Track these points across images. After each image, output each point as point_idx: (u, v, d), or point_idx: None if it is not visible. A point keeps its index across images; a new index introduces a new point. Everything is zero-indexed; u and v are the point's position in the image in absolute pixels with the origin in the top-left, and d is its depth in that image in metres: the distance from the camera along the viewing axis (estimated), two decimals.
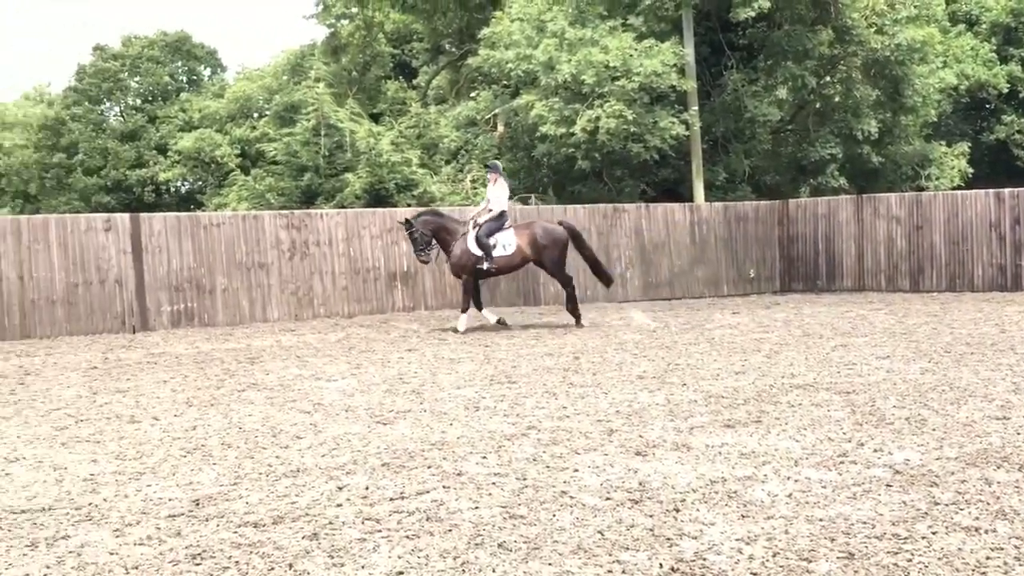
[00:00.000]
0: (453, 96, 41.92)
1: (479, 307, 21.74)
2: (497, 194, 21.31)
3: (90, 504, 8.13)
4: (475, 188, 34.14)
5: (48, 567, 6.64)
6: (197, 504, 8.02)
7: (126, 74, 56.29)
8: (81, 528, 7.47)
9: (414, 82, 47.25)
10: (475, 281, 21.57)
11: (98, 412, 12.62)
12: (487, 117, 35.87)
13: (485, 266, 20.87)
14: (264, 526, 7.39)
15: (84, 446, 10.54)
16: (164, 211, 36.94)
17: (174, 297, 24.32)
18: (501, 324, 21.45)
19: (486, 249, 20.74)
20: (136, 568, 6.56)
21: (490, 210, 21.21)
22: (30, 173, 55.12)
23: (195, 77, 58.53)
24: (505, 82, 34.37)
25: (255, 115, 50.65)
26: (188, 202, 52.66)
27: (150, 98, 56.33)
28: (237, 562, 6.61)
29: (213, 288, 24.78)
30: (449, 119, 38.49)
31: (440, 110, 40.46)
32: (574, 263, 22.72)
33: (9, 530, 7.50)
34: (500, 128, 35.28)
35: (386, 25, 45.40)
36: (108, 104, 57.64)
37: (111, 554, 6.85)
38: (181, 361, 17.73)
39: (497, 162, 24.23)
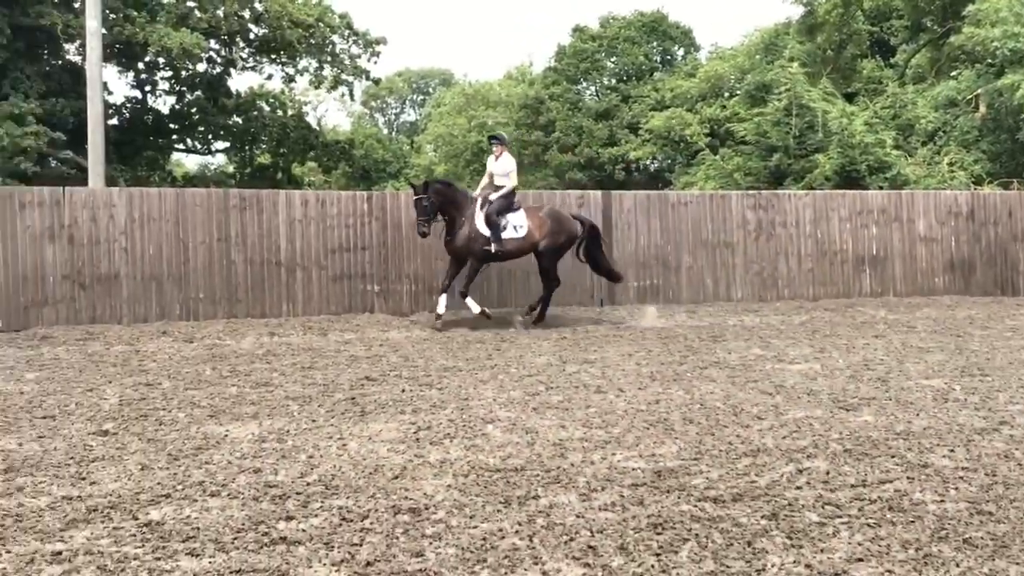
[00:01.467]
0: (932, 75, 40.49)
1: (443, 291, 19.79)
2: (505, 168, 19.75)
3: (559, 468, 8.45)
4: (951, 172, 32.99)
5: (520, 524, 6.96)
6: (659, 475, 8.19)
7: (603, 54, 57.62)
8: (550, 490, 7.78)
9: (891, 60, 46.08)
10: (478, 265, 19.80)
11: (567, 380, 13.08)
12: (968, 98, 34.53)
13: (493, 248, 19.26)
14: (724, 502, 7.47)
15: (553, 412, 10.94)
16: (633, 188, 37.68)
17: (640, 273, 24.79)
18: (484, 316, 19.59)
19: (495, 229, 19.17)
20: (601, 532, 6.79)
21: (499, 187, 19.66)
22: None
23: (669, 57, 59.22)
24: (990, 61, 32.96)
25: (726, 94, 50.69)
26: (656, 180, 53.30)
27: (624, 78, 57.36)
28: (697, 535, 6.72)
29: (678, 265, 25.09)
30: (927, 99, 37.17)
31: (918, 90, 39.08)
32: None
33: (485, 486, 7.91)
34: (982, 109, 33.85)
35: (865, 2, 44.44)
36: (584, 84, 59.19)
37: (577, 516, 7.11)
38: (645, 336, 18.09)
39: (503, 133, 22.94)
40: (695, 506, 7.37)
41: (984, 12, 30.94)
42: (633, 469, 8.41)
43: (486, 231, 19.09)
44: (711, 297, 25.03)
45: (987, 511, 7.22)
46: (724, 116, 47.66)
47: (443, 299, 19.61)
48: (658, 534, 6.75)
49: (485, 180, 20.26)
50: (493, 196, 19.41)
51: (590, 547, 6.50)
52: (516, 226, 19.35)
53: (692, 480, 8.06)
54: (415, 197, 19.38)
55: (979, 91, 33.15)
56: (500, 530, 6.84)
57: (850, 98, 39.17)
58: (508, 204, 19.46)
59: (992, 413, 10.76)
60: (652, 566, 6.18)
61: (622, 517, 7.10)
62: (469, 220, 19.23)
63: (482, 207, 19.21)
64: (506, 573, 6.08)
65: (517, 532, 6.81)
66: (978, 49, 31.37)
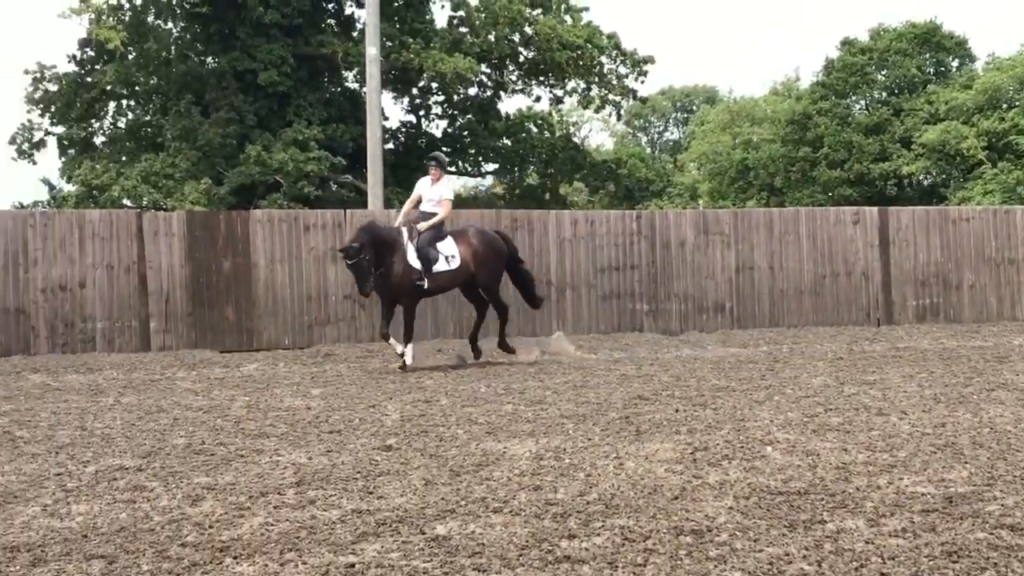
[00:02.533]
0: None
1: (385, 335, 17.63)
2: (440, 194, 17.65)
3: (843, 492, 8.26)
4: None
5: (807, 549, 6.82)
6: (950, 501, 7.92)
7: (873, 67, 56.43)
8: (836, 514, 7.60)
9: None
10: (413, 305, 17.60)
11: (846, 402, 12.83)
12: None
13: (426, 284, 17.22)
14: (1021, 529, 7.20)
15: (834, 434, 10.72)
16: (905, 204, 36.74)
17: (919, 292, 24.21)
18: (403, 366, 17.07)
19: (427, 263, 17.05)
20: (893, 559, 6.60)
21: (427, 213, 17.49)
22: (776, 166, 56.52)
23: (943, 68, 57.61)
24: None
25: (1004, 106, 49.07)
26: (930, 196, 51.87)
27: (896, 91, 56.08)
28: (995, 564, 6.47)
29: (960, 283, 24.40)
30: None
31: None
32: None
33: (768, 509, 7.79)
34: None
35: None
36: (853, 98, 58.03)
37: (867, 543, 6.92)
38: (926, 356, 17.62)
39: (442, 154, 20.12)
40: (991, 534, 7.10)
41: None
42: (923, 494, 8.17)
43: (417, 264, 17.07)
44: (995, 316, 24.30)
45: None
46: (1003, 128, 46.21)
47: (394, 343, 17.46)
48: (953, 563, 6.53)
49: (408, 206, 18.12)
50: (422, 226, 17.30)
51: (882, 574, 6.33)
52: (448, 256, 17.30)
53: (986, 507, 7.78)
54: (348, 262, 16.90)
55: None
56: (787, 555, 6.72)
57: None
58: (438, 234, 17.41)
59: None
60: None
61: (914, 544, 6.90)
62: (400, 258, 17.07)
63: (411, 238, 17.18)
64: None
65: (805, 557, 6.68)
66: None
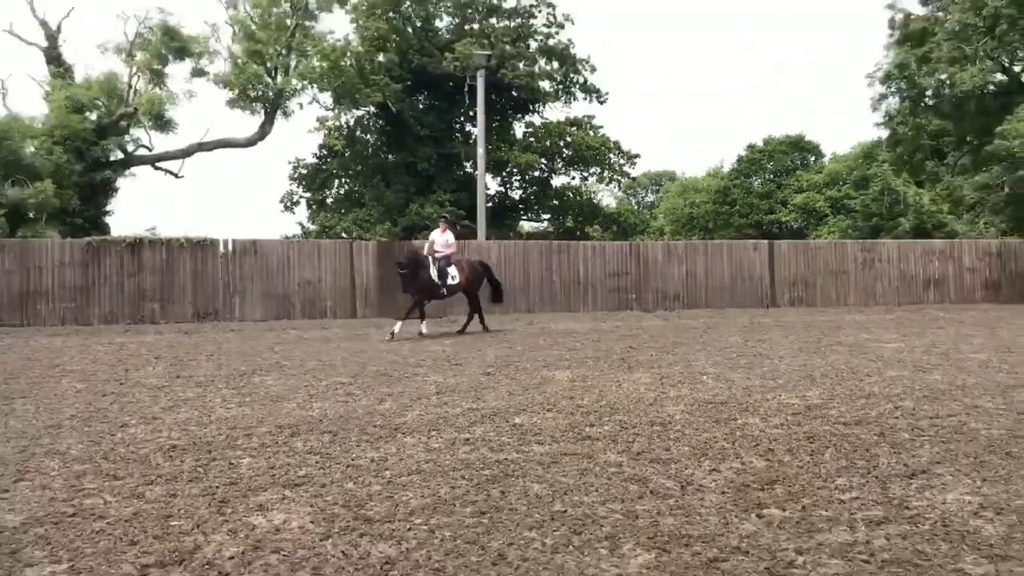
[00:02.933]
0: (972, 169, 36.73)
1: (404, 318, 16.16)
2: (448, 241, 16.76)
3: (747, 402, 8.11)
4: (987, 227, 30.30)
5: (726, 434, 6.72)
6: (808, 408, 7.81)
7: (765, 160, 55.24)
8: (743, 415, 7.48)
9: (945, 161, 42.23)
10: (424, 301, 16.63)
11: (749, 350, 12.54)
12: (998, 182, 31.42)
13: (444, 291, 16.67)
14: (848, 424, 7.06)
15: (742, 370, 10.50)
16: (783, 239, 36.08)
17: (791, 289, 23.84)
18: (391, 336, 15.56)
19: (444, 278, 16.48)
20: (775, 440, 6.50)
21: (441, 251, 16.60)
22: (709, 217, 54.88)
23: (805, 161, 56.26)
24: (1012, 159, 29.91)
25: (840, 182, 48.06)
26: (798, 235, 50.81)
27: (777, 174, 54.68)
28: (835, 444, 6.35)
29: (814, 284, 24.02)
30: (970, 185, 33.66)
31: (964, 178, 35.35)
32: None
33: (704, 412, 7.65)
34: (1007, 189, 30.88)
35: (929, 127, 40.66)
36: (754, 178, 56.61)
37: (760, 432, 6.83)
38: (794, 326, 17.26)
39: (448, 216, 20.32)
40: (832, 427, 6.97)
41: (1008, 131, 28.05)
42: (793, 404, 8.04)
43: (438, 279, 16.44)
44: (834, 303, 23.89)
45: (1020, 435, 6.59)
46: (839, 195, 45.51)
47: (398, 326, 15.92)
48: (810, 442, 6.43)
49: (428, 247, 16.86)
50: (439, 255, 16.53)
51: (769, 449, 6.26)
52: (453, 276, 16.61)
53: (829, 412, 7.64)
54: (401, 271, 16.26)
55: (1004, 178, 30.27)
56: (714, 437, 6.65)
57: (920, 184, 36.56)
58: (448, 262, 16.60)
59: (1018, 375, 9.81)
60: (807, 460, 5.89)
61: (787, 433, 6.79)
62: (426, 272, 16.33)
63: (434, 264, 16.38)
64: (719, 462, 5.91)
65: (725, 438, 6.61)
66: (1003, 152, 28.44)
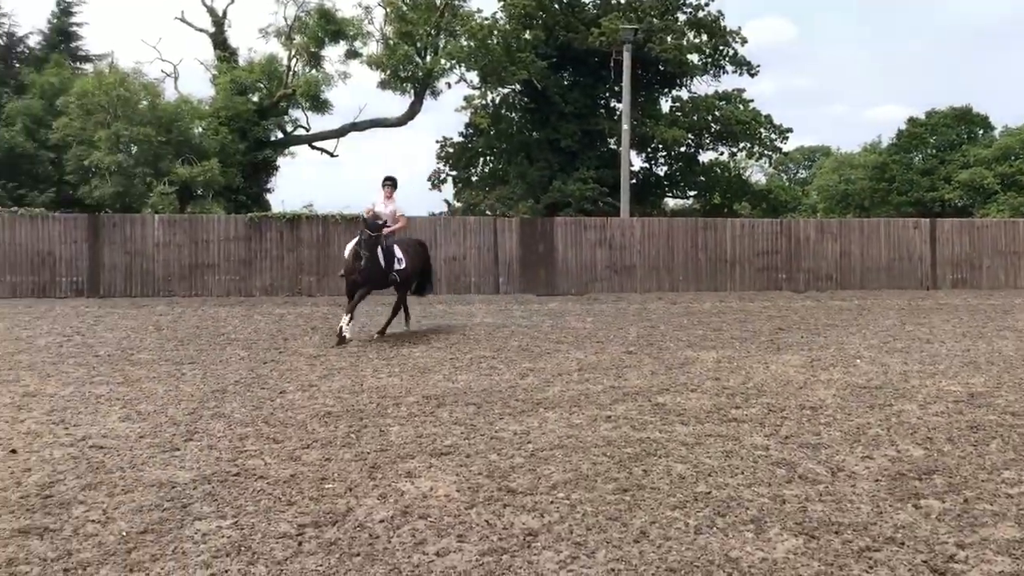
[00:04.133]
0: None
1: (350, 313, 11.80)
2: (393, 209, 12.43)
3: (904, 387, 7.78)
4: None
5: (880, 420, 6.46)
6: (972, 396, 7.38)
7: (927, 134, 52.13)
8: (899, 401, 7.17)
9: None
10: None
11: (906, 334, 11.97)
12: None
13: (396, 277, 12.36)
14: (1016, 414, 6.63)
15: (898, 354, 10.03)
16: (946, 218, 33.94)
17: (954, 270, 22.45)
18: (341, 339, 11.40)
19: (391, 262, 12.19)
20: (935, 429, 6.19)
21: (388, 224, 12.21)
22: (865, 194, 52.60)
23: (972, 135, 52.75)
24: None
25: (1012, 157, 44.58)
26: (961, 213, 47.69)
27: (941, 148, 51.67)
28: (1001, 435, 5.98)
29: (980, 265, 22.53)
30: None
31: None
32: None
33: (857, 397, 7.39)
34: None
35: None
36: (915, 153, 53.66)
37: (918, 419, 6.53)
38: (957, 309, 16.31)
39: (396, 178, 12.71)
40: (999, 417, 6.58)
41: None
42: (954, 391, 7.62)
43: (384, 264, 11.99)
44: (1003, 286, 22.33)
45: None
46: (1012, 171, 42.32)
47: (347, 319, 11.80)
48: (973, 432, 6.08)
49: (369, 215, 12.23)
50: (385, 231, 12.15)
51: (927, 437, 5.95)
52: (399, 259, 12.31)
53: (996, 400, 7.20)
54: (364, 253, 11.67)
55: None
56: (868, 423, 6.40)
57: None
58: (393, 240, 12.46)
59: None
60: (970, 450, 5.56)
61: (948, 421, 6.45)
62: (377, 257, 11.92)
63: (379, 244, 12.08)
64: (872, 449, 5.66)
65: (879, 425, 6.34)
66: None
